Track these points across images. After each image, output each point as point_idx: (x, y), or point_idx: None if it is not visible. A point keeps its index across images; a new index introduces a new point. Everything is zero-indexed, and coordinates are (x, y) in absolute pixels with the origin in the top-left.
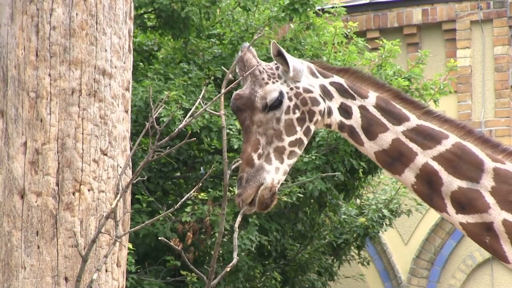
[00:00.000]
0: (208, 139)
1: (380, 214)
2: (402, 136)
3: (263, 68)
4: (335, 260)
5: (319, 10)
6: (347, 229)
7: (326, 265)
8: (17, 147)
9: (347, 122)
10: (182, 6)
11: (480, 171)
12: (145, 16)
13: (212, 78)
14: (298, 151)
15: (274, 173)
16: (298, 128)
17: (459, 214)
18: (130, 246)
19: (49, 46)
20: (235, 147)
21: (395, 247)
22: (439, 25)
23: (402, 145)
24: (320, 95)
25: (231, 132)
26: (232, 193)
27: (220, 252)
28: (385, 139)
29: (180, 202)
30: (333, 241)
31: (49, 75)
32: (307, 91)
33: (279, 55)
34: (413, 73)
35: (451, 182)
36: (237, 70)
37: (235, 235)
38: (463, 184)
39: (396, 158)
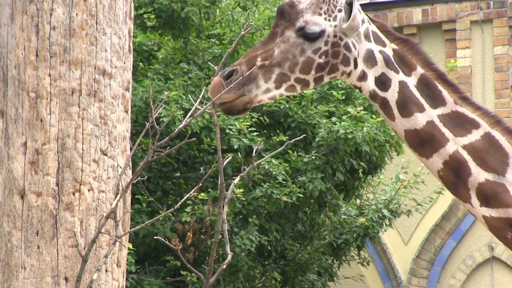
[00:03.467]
0: (208, 139)
1: (380, 214)
2: (437, 119)
3: (329, 0)
4: (335, 260)
5: None
6: (347, 229)
7: (326, 266)
8: (17, 147)
9: (381, 93)
10: (182, 6)
11: (506, 165)
12: (145, 16)
13: (212, 78)
14: (299, 90)
15: (262, 92)
16: (313, 72)
17: (483, 207)
18: (130, 246)
19: (49, 46)
20: (235, 147)
21: (395, 247)
22: (439, 25)
23: (435, 128)
24: (356, 58)
25: (231, 132)
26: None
27: (220, 252)
28: (420, 119)
29: (180, 202)
30: (333, 241)
31: (49, 75)
32: (347, 48)
33: (350, 5)
34: None
35: (478, 174)
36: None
37: (225, 226)
38: (490, 176)
39: (426, 141)
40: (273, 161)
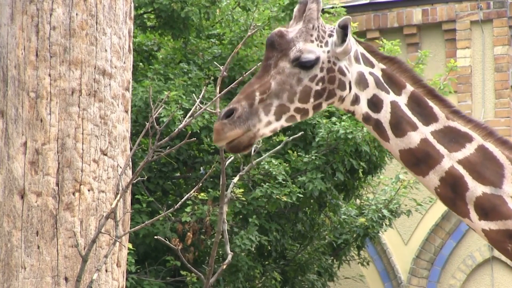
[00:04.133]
0: (208, 139)
1: (380, 214)
2: (431, 136)
3: (318, 26)
4: (335, 260)
5: None
6: (347, 229)
7: (326, 266)
8: (17, 147)
9: (374, 115)
10: (182, 6)
11: (501, 176)
12: (145, 16)
13: (212, 78)
14: (298, 119)
15: (264, 126)
16: (312, 100)
17: (482, 220)
18: (130, 246)
19: (49, 46)
20: None
21: (395, 247)
22: (439, 25)
23: (429, 145)
24: (350, 82)
25: None
26: (234, 194)
27: (220, 252)
28: (414, 137)
29: (180, 202)
30: (333, 241)
31: (49, 75)
32: (341, 72)
33: (344, 29)
34: None
35: (475, 188)
36: (295, 10)
37: (225, 226)
38: (487, 189)
39: (421, 159)
40: (273, 161)
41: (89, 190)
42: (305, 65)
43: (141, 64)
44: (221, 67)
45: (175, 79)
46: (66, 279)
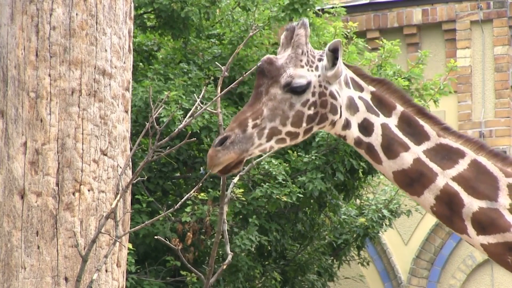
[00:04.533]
0: (208, 139)
1: (380, 215)
2: (423, 155)
3: (307, 51)
4: (335, 260)
5: (319, 10)
6: (347, 229)
7: (326, 266)
8: (17, 147)
9: (365, 139)
10: (182, 6)
11: (496, 189)
12: (145, 16)
13: (212, 78)
14: (288, 142)
15: (255, 147)
16: (304, 124)
17: (480, 235)
18: (130, 246)
19: (49, 46)
20: None
21: (395, 247)
22: (439, 25)
23: (422, 165)
24: (341, 106)
25: None
26: (234, 194)
27: (220, 252)
28: (406, 158)
29: (180, 202)
30: (333, 242)
31: (49, 75)
32: (333, 96)
33: (334, 52)
34: (413, 73)
35: (471, 203)
36: (282, 37)
37: (225, 226)
38: (483, 204)
39: (415, 179)
40: (273, 161)
41: (89, 190)
42: (297, 90)
43: (141, 64)
44: (222, 67)
45: (175, 79)
46: (66, 279)
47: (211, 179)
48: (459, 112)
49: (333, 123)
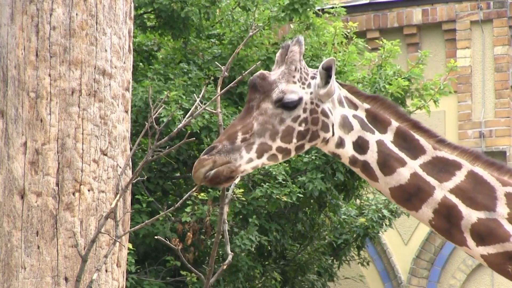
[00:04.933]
0: (208, 139)
1: (380, 215)
2: (420, 170)
3: (300, 68)
4: (335, 260)
5: (319, 10)
6: (347, 229)
7: (326, 266)
8: (17, 147)
9: (360, 157)
10: (182, 6)
11: (494, 199)
12: (145, 16)
13: (212, 78)
14: (280, 158)
15: (245, 162)
16: (294, 140)
17: (480, 246)
18: (130, 246)
19: (49, 46)
20: None
21: (395, 247)
22: (439, 25)
23: (420, 179)
24: (333, 124)
25: None
26: (234, 194)
27: (220, 252)
28: (403, 173)
29: (180, 202)
30: (333, 242)
31: (49, 75)
32: (324, 114)
33: (327, 70)
34: (413, 73)
35: (470, 215)
36: (277, 55)
37: (225, 226)
38: (481, 214)
39: (413, 194)
40: None
41: (89, 190)
42: (288, 106)
43: (141, 64)
44: (222, 67)
45: (175, 79)
46: (66, 279)
47: None
48: (459, 112)
49: (326, 141)
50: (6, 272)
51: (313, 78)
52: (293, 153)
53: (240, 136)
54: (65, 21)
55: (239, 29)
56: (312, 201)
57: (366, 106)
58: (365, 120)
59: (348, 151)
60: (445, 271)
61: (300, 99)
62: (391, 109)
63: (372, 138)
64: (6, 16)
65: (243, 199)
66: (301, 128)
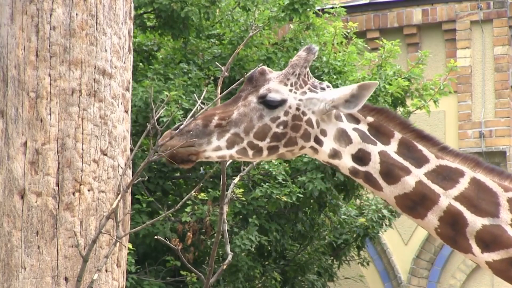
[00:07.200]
0: None
1: (380, 215)
2: (424, 178)
3: (299, 74)
4: (335, 260)
5: (319, 10)
6: (347, 229)
7: (326, 266)
8: (17, 147)
9: (362, 168)
10: (182, 6)
11: (497, 205)
12: (145, 16)
13: (212, 78)
14: (250, 155)
15: (212, 149)
16: (268, 139)
17: (485, 253)
18: (130, 246)
19: (49, 46)
20: None
21: (395, 247)
22: (439, 25)
23: (425, 187)
24: (317, 135)
25: None
26: (234, 194)
27: (220, 252)
28: (409, 182)
29: (180, 203)
30: (333, 242)
31: (49, 75)
32: (309, 124)
33: (360, 100)
34: (413, 73)
35: (475, 222)
36: (296, 59)
37: (225, 226)
38: (486, 221)
39: (418, 202)
40: (273, 161)
41: (89, 190)
42: (269, 104)
43: (141, 64)
44: (222, 67)
45: (175, 79)
46: (66, 279)
47: (211, 179)
48: (459, 112)
49: (315, 150)
50: (6, 272)
51: (311, 90)
52: (265, 153)
53: (215, 121)
54: (65, 21)
55: (239, 29)
56: (312, 201)
57: (370, 119)
58: (367, 133)
59: (346, 163)
60: (445, 271)
61: (283, 101)
62: (395, 120)
63: (374, 149)
64: (6, 16)
65: (243, 199)
66: (278, 130)
